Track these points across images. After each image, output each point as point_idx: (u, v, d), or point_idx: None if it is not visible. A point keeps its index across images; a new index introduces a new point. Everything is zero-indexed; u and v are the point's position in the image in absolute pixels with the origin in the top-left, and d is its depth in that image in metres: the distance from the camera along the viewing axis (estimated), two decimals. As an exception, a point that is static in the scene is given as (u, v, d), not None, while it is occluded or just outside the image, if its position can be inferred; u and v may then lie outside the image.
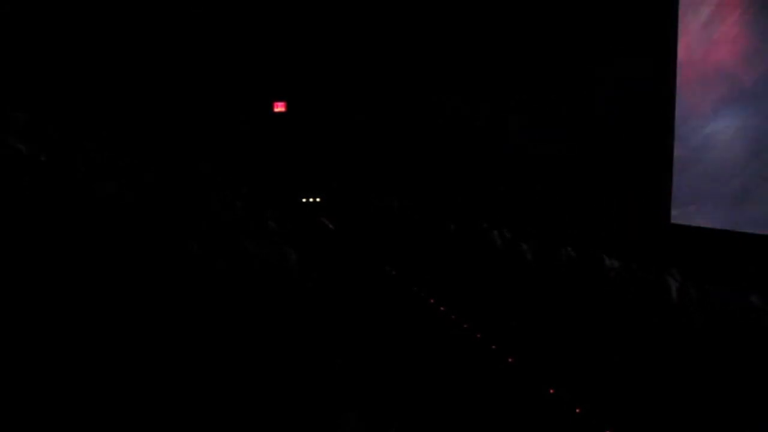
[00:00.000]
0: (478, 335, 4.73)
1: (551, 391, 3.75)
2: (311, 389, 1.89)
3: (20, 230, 2.03)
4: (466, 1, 14.46)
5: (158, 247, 2.62)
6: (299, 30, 13.45)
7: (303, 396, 1.87)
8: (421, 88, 14.45)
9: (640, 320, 3.22)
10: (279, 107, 13.45)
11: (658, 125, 15.67)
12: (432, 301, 5.64)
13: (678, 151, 14.41)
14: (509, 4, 14.53)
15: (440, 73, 14.51)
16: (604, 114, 15.32)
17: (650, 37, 15.39)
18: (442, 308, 5.41)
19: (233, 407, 1.79)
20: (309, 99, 13.59)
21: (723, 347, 2.79)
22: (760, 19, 12.34)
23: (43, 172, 4.99)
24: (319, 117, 13.73)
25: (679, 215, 14.51)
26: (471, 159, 14.68)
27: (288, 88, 13.45)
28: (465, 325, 4.94)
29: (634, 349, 3.24)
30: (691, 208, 14.35)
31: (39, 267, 1.90)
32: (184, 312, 1.88)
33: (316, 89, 13.60)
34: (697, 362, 2.91)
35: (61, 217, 2.59)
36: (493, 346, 4.47)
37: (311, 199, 13.09)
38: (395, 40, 14.03)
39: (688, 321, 3.42)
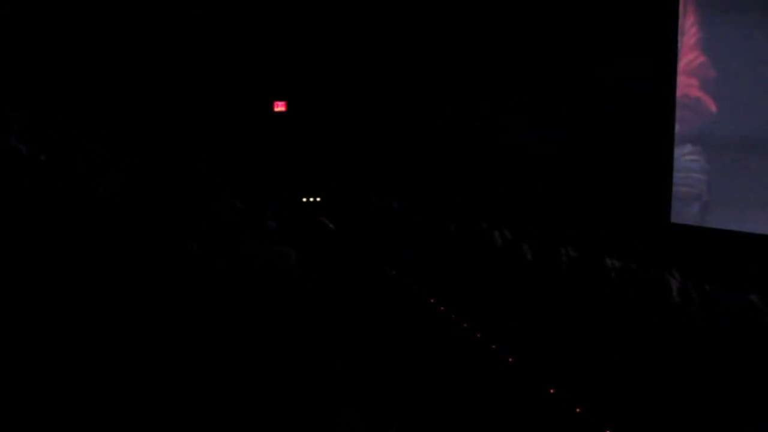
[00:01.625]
0: (478, 335, 4.72)
1: (551, 391, 3.75)
2: (311, 389, 1.89)
3: (21, 230, 2.03)
4: (466, 2, 14.46)
5: (158, 246, 2.62)
6: (299, 30, 13.44)
7: (303, 396, 1.87)
8: (420, 87, 14.45)
9: (640, 320, 3.22)
10: (279, 107, 13.44)
11: (658, 125, 15.68)
12: (432, 300, 5.64)
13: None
14: (509, 5, 14.54)
15: (440, 73, 14.50)
16: (604, 114, 15.33)
17: (650, 37, 15.39)
18: (442, 308, 5.41)
19: (233, 407, 1.79)
20: (309, 99, 13.58)
21: (723, 347, 2.79)
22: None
23: (43, 172, 4.99)
24: (319, 117, 13.72)
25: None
26: (471, 159, 14.68)
27: (288, 88, 13.44)
28: (465, 325, 4.94)
29: (634, 349, 3.23)
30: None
31: (39, 266, 1.90)
32: (184, 311, 1.88)
33: (316, 89, 13.59)
34: (697, 362, 2.90)
35: (61, 217, 2.59)
36: (493, 346, 4.47)
37: (311, 199, 13.09)
38: (395, 39, 14.02)
39: (688, 321, 3.42)
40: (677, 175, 15.39)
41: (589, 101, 15.15)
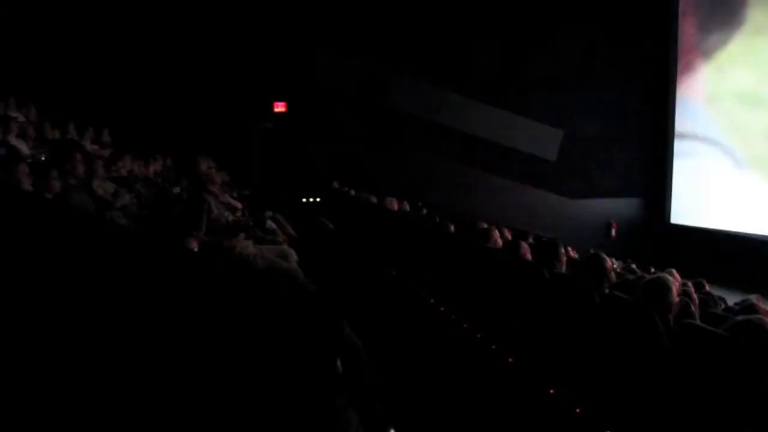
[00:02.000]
0: (478, 335, 4.73)
1: (551, 391, 3.75)
2: (311, 389, 1.89)
3: (20, 229, 2.03)
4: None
5: (158, 246, 2.62)
6: (301, 31, 13.44)
7: (303, 396, 1.87)
8: (421, 88, 14.46)
9: (640, 320, 3.22)
10: (279, 107, 13.44)
11: (658, 125, 15.70)
12: (432, 301, 5.64)
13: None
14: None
15: (440, 75, 14.51)
16: (603, 114, 15.36)
17: (650, 37, 15.42)
18: (442, 308, 5.42)
19: (233, 407, 1.79)
20: (310, 99, 13.57)
21: (723, 347, 2.80)
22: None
23: (43, 172, 4.99)
24: (320, 118, 13.71)
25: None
26: (471, 159, 14.69)
27: (288, 88, 13.44)
28: (465, 325, 4.94)
29: (634, 349, 3.24)
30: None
31: (38, 266, 1.90)
32: (183, 312, 1.88)
33: (317, 89, 13.59)
34: (697, 362, 2.91)
35: (61, 217, 2.59)
36: (493, 346, 4.47)
37: (311, 199, 13.09)
38: (395, 41, 14.01)
39: (688, 321, 3.43)
40: (677, 175, 15.46)
41: (589, 101, 15.18)
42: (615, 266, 8.97)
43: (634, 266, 10.54)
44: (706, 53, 14.22)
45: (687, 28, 14.77)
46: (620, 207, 15.64)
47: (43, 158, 7.06)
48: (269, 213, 7.28)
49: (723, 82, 14.00)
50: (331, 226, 8.96)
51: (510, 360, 4.24)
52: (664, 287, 3.52)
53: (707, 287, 6.87)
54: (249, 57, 13.08)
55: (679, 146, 15.39)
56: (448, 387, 4.25)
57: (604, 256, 4.19)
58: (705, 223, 14.59)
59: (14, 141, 7.57)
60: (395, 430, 2.66)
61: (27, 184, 4.54)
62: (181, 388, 1.76)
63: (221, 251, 4.46)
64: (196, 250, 3.91)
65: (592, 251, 6.50)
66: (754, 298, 5.13)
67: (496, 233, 5.99)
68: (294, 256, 5.07)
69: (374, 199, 10.76)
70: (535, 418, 3.81)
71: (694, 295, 4.72)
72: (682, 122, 15.26)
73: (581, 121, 15.17)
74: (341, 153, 13.75)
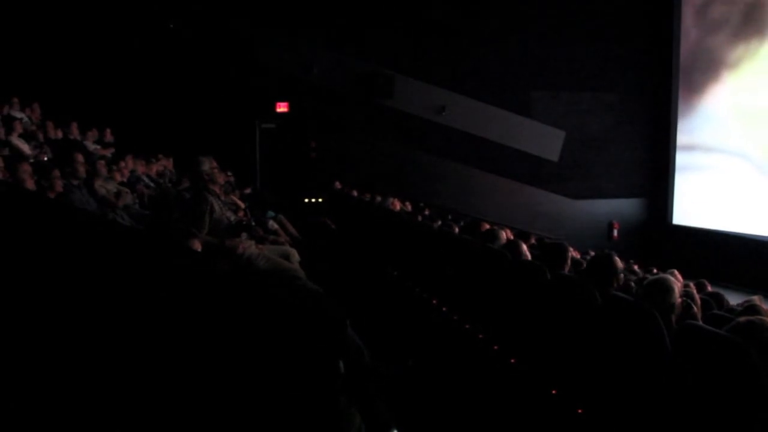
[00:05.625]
0: (480, 336, 4.73)
1: (553, 392, 3.76)
2: (314, 389, 1.89)
3: (23, 229, 2.04)
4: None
5: (161, 246, 2.62)
6: (300, 30, 13.45)
7: (305, 396, 1.87)
8: (425, 89, 14.46)
9: (642, 321, 3.23)
10: (281, 107, 13.44)
11: (658, 125, 15.69)
12: (435, 302, 5.65)
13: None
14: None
15: (444, 75, 14.51)
16: (605, 114, 15.35)
17: (650, 38, 15.42)
18: (444, 309, 5.42)
19: (236, 407, 1.80)
20: (310, 99, 13.57)
21: (725, 348, 2.80)
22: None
23: (45, 172, 5.01)
24: (322, 117, 13.70)
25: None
26: (473, 160, 14.69)
27: (290, 88, 13.43)
28: (467, 326, 4.95)
29: (636, 350, 3.24)
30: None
31: (41, 266, 1.91)
32: (186, 312, 1.88)
33: (318, 89, 13.58)
34: (699, 363, 2.91)
35: (63, 216, 2.60)
36: (495, 347, 4.48)
37: (313, 200, 13.10)
38: (401, 45, 14.02)
39: (689, 321, 3.43)
40: (677, 175, 15.46)
41: (589, 102, 15.18)
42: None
43: (635, 267, 10.55)
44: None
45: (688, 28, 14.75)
46: (622, 207, 15.64)
47: (45, 158, 7.08)
48: (271, 213, 7.29)
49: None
50: (333, 226, 8.97)
51: (512, 360, 4.25)
52: (666, 288, 3.52)
53: (709, 287, 6.86)
54: (251, 57, 13.09)
55: (681, 148, 15.40)
56: (450, 387, 4.25)
57: (616, 257, 4.16)
58: (706, 224, 14.59)
59: (17, 141, 7.60)
60: (398, 429, 2.67)
61: (30, 184, 4.55)
62: (186, 388, 1.77)
63: (223, 251, 4.46)
64: (198, 250, 3.92)
65: (593, 252, 6.48)
66: (756, 298, 5.13)
67: (498, 233, 5.99)
68: (296, 256, 5.08)
69: (377, 200, 10.77)
70: (537, 418, 3.82)
71: (696, 296, 4.72)
72: (686, 126, 15.26)
73: (583, 121, 15.18)
74: (343, 153, 13.75)
